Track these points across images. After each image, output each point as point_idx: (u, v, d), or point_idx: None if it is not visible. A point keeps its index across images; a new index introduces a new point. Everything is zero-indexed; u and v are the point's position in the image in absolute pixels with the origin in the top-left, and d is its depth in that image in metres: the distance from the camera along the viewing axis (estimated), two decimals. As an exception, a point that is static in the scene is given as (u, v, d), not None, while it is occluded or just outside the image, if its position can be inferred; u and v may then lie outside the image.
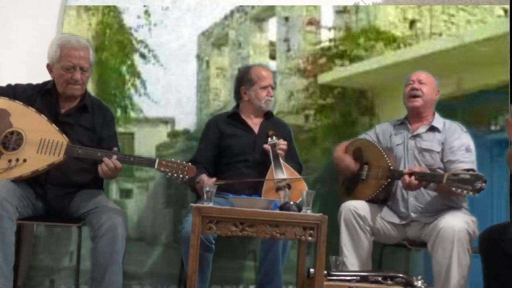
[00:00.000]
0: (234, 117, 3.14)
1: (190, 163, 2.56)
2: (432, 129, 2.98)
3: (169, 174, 2.50)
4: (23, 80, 2.83)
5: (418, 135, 2.99)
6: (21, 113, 2.61)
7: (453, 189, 2.57)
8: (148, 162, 2.54)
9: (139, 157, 2.57)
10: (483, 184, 2.51)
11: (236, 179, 2.94)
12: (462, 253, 2.60)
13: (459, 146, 2.89)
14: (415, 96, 2.98)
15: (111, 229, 2.49)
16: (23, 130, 2.59)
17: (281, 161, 2.93)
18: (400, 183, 2.90)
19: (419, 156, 2.94)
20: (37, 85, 2.80)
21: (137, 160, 2.57)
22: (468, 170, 2.77)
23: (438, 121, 3.01)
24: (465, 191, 2.53)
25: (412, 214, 2.89)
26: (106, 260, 2.48)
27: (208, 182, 2.77)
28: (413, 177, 2.70)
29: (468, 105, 3.50)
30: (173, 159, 2.53)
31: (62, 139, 2.58)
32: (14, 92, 2.72)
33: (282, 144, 2.97)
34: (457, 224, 2.63)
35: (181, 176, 2.50)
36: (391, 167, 2.87)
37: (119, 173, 2.66)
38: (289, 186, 2.83)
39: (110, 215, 2.53)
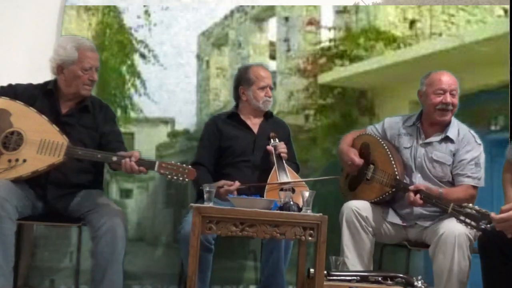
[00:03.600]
0: (233, 118, 3.14)
1: (192, 165, 2.56)
2: (446, 139, 2.88)
3: (169, 176, 2.48)
4: (23, 80, 2.83)
5: (430, 144, 2.90)
6: (22, 113, 2.61)
7: (457, 221, 2.51)
8: (148, 165, 2.53)
9: (139, 159, 2.57)
10: (487, 226, 2.42)
11: (238, 179, 2.93)
12: (462, 258, 2.58)
13: (470, 159, 2.82)
14: (447, 111, 2.85)
15: (111, 229, 2.49)
16: (24, 130, 2.59)
17: (284, 163, 2.94)
18: None
19: (429, 165, 2.87)
20: (38, 85, 2.81)
21: (137, 162, 2.56)
22: (474, 187, 2.80)
23: (453, 128, 2.89)
24: (468, 226, 2.48)
25: (415, 219, 2.87)
26: (106, 260, 2.48)
27: (231, 188, 2.82)
28: (418, 196, 2.67)
29: (468, 105, 3.49)
30: (173, 162, 2.52)
31: (62, 140, 2.58)
32: (14, 92, 2.72)
33: (282, 147, 2.97)
34: (458, 229, 2.59)
35: (181, 178, 2.49)
36: (398, 177, 2.80)
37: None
38: (293, 190, 2.82)
39: (110, 215, 2.54)
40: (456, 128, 2.91)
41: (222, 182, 2.86)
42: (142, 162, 2.54)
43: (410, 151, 2.92)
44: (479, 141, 2.90)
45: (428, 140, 2.91)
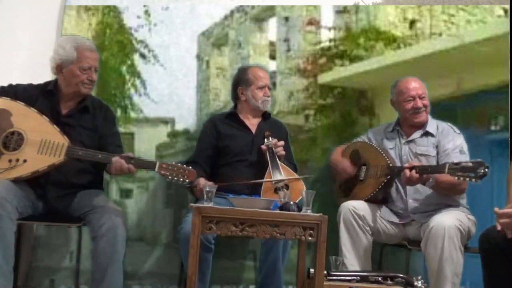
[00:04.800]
0: (232, 118, 3.15)
1: (187, 164, 2.56)
2: (426, 134, 2.98)
3: (169, 177, 2.48)
4: (24, 80, 2.83)
5: (412, 141, 2.99)
6: (23, 113, 2.62)
7: (456, 178, 2.57)
8: (148, 165, 2.53)
9: (139, 159, 2.57)
10: (486, 169, 2.50)
11: (234, 179, 2.93)
12: (454, 250, 2.60)
13: (453, 148, 2.90)
14: (419, 112, 2.96)
15: (111, 229, 2.49)
16: (24, 131, 2.59)
17: (278, 161, 2.93)
18: (399, 185, 2.90)
19: (415, 160, 2.92)
20: (38, 85, 2.81)
21: (137, 163, 2.56)
22: None
23: (432, 125, 3.00)
24: (467, 179, 2.53)
25: (411, 215, 2.90)
26: (106, 260, 2.48)
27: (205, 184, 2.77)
28: (413, 171, 2.70)
29: (468, 105, 3.50)
30: (173, 162, 2.52)
31: (63, 140, 2.58)
32: (15, 92, 2.73)
33: (278, 145, 2.97)
34: (447, 221, 2.64)
35: (181, 180, 2.49)
36: (390, 164, 2.87)
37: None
38: (287, 187, 2.83)
39: (110, 215, 2.54)
40: (435, 124, 3.02)
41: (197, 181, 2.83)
42: (142, 163, 2.54)
43: (395, 151, 3.02)
44: (458, 131, 2.98)
45: (410, 138, 3.01)
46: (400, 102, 3.01)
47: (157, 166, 2.50)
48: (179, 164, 2.51)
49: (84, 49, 2.73)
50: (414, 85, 2.98)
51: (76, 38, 2.82)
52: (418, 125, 3.00)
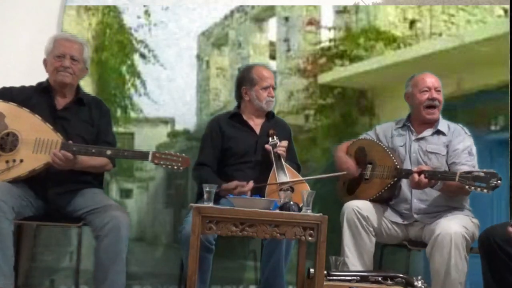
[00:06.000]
0: (235, 118, 3.12)
1: (196, 166, 2.57)
2: (438, 132, 2.97)
3: (164, 166, 2.51)
4: (23, 80, 2.84)
5: (423, 138, 2.97)
6: (16, 114, 2.64)
7: (467, 187, 2.55)
8: (142, 155, 2.55)
9: (133, 150, 2.57)
10: (499, 181, 2.49)
11: (239, 180, 2.92)
12: (459, 259, 2.59)
13: (463, 149, 2.89)
14: (434, 107, 2.95)
15: (114, 228, 2.49)
16: (18, 131, 2.61)
17: (283, 162, 2.93)
18: (402, 183, 2.89)
19: (424, 158, 2.92)
20: (32, 86, 2.84)
21: (131, 154, 2.58)
22: None
23: (443, 124, 2.99)
24: (478, 189, 2.51)
25: (415, 215, 2.89)
26: (109, 260, 2.48)
27: (245, 188, 2.80)
28: (422, 176, 2.68)
29: (468, 105, 3.50)
30: (167, 151, 2.55)
31: (56, 138, 2.60)
32: (10, 93, 2.75)
33: (280, 145, 2.96)
34: (454, 229, 2.62)
35: (175, 167, 2.51)
36: (398, 166, 2.86)
37: (76, 163, 2.61)
38: (292, 189, 2.81)
39: (114, 214, 2.53)
40: (446, 123, 3.02)
41: (235, 183, 2.85)
42: (135, 153, 2.56)
43: (405, 148, 3.00)
44: (468, 132, 2.99)
45: (420, 136, 2.99)
46: (415, 94, 2.99)
47: (150, 155, 2.52)
48: (172, 152, 2.54)
49: (61, 39, 2.78)
50: (431, 78, 2.99)
51: (60, 33, 2.84)
52: (430, 121, 2.98)
